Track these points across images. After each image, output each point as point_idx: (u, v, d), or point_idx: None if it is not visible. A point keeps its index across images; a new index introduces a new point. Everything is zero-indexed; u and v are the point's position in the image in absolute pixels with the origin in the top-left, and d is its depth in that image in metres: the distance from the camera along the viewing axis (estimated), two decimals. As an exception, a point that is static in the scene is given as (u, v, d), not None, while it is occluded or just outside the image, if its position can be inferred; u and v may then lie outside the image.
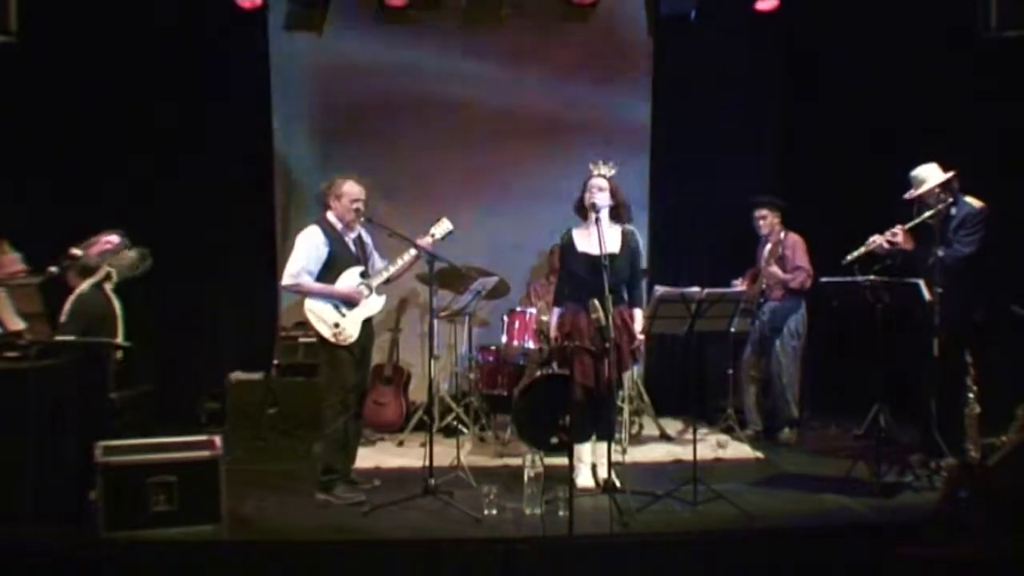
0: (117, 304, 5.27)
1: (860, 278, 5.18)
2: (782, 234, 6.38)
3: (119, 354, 5.20)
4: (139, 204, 6.68)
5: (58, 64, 6.54)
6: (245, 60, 7.16)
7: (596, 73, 7.48)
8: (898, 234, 5.36)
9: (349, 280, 5.13)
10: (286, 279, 5.07)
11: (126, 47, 6.73)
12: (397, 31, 7.27)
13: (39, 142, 6.58)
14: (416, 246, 5.15)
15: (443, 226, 5.26)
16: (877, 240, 5.39)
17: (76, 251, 5.23)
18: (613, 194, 5.23)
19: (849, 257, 5.36)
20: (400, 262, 5.21)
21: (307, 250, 5.06)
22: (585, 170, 5.31)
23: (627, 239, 5.28)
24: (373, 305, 5.16)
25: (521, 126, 7.42)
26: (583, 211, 5.28)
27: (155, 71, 6.83)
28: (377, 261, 5.34)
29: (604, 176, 5.23)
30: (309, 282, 5.05)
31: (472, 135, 7.41)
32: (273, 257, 7.10)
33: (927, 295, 5.01)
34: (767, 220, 6.43)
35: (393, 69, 7.30)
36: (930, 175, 5.40)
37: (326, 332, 5.01)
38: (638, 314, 5.26)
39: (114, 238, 5.33)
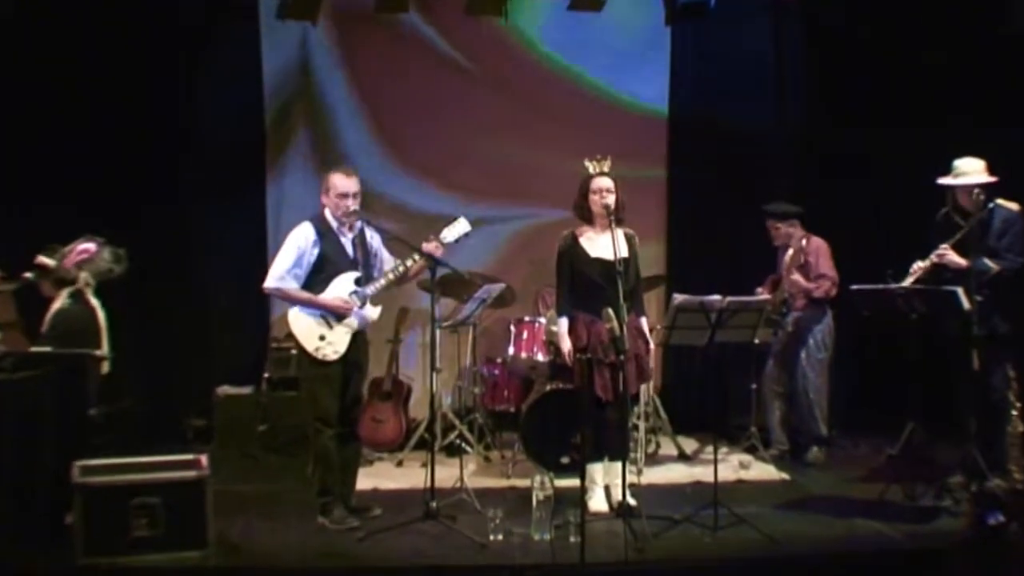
0: (101, 313, 5.07)
1: (893, 285, 5.03)
2: (804, 239, 6.16)
3: (105, 366, 5.02)
4: (122, 204, 6.45)
5: (43, 53, 6.35)
6: (235, 51, 6.93)
7: (611, 65, 7.27)
8: (945, 254, 5.13)
9: (341, 288, 4.83)
10: (269, 281, 4.81)
11: (115, 37, 6.53)
12: (396, 19, 6.98)
13: (17, 137, 6.35)
14: (420, 252, 4.85)
15: (457, 227, 4.92)
16: (921, 266, 5.17)
17: (46, 260, 4.99)
18: (618, 194, 4.98)
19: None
20: (402, 269, 4.93)
21: (295, 250, 4.80)
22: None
23: (632, 243, 5.09)
24: (365, 317, 4.88)
25: (529, 121, 7.18)
26: (587, 215, 5.05)
27: (144, 64, 6.63)
28: (387, 262, 5.04)
29: (608, 175, 5.00)
30: (294, 288, 4.80)
31: (475, 130, 7.18)
32: (264, 262, 6.78)
33: (965, 303, 4.81)
34: (780, 231, 6.24)
35: (391, 59, 7.10)
36: (976, 169, 5.21)
37: (309, 346, 4.78)
38: (644, 323, 5.13)
39: (91, 246, 5.06)
